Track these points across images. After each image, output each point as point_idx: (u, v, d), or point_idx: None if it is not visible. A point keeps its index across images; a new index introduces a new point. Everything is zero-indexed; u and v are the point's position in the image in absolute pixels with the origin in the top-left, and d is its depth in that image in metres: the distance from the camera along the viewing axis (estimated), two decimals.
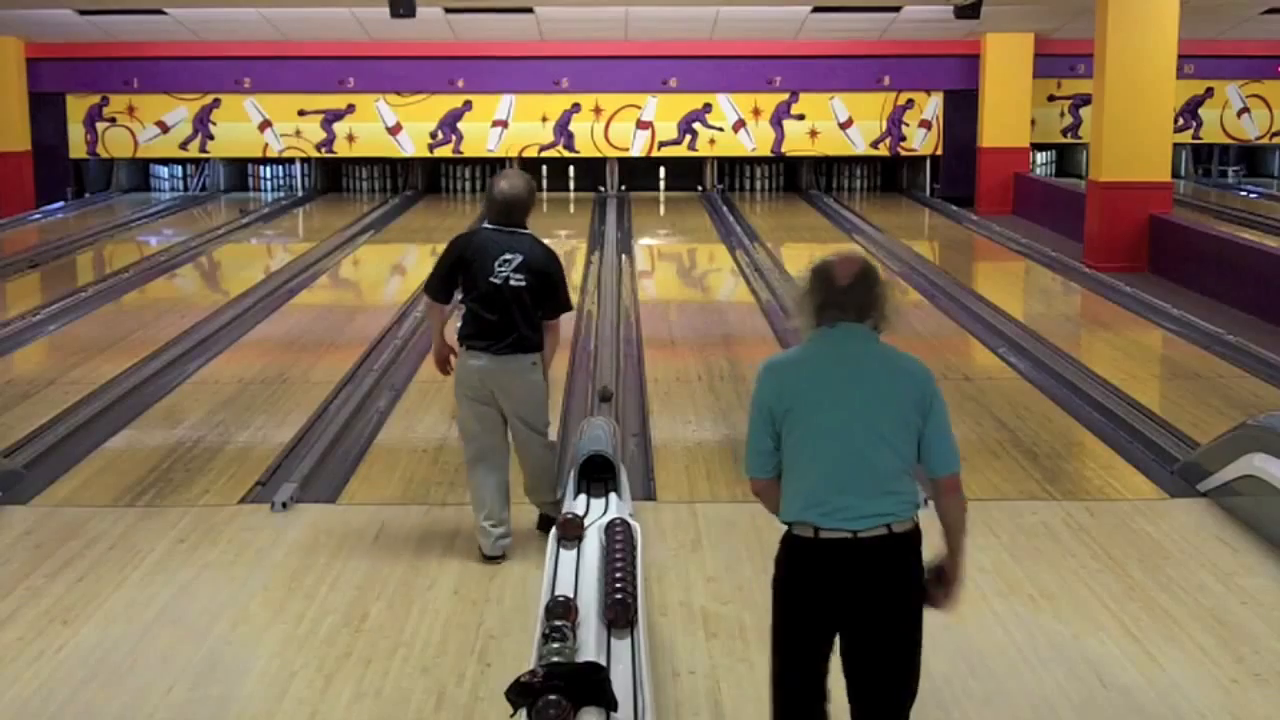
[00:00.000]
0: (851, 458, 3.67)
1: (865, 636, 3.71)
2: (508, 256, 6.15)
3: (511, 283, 6.14)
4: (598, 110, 21.48)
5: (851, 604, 3.69)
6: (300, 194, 22.45)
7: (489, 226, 6.27)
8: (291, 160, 22.58)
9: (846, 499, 3.66)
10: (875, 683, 3.75)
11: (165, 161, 22.72)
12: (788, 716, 3.82)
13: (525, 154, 21.73)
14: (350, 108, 21.46)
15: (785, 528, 3.80)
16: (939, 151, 21.75)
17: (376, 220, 19.42)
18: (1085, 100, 20.36)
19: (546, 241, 6.39)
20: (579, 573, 5.44)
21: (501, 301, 6.15)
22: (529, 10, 17.99)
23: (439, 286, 6.36)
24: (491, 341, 6.19)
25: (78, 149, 21.63)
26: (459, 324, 6.31)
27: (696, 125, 21.60)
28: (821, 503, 3.67)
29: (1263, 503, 6.55)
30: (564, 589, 5.02)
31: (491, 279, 6.14)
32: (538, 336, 6.28)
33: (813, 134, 21.68)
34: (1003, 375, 10.08)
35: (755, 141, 21.71)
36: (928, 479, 3.82)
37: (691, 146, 21.73)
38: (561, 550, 5.55)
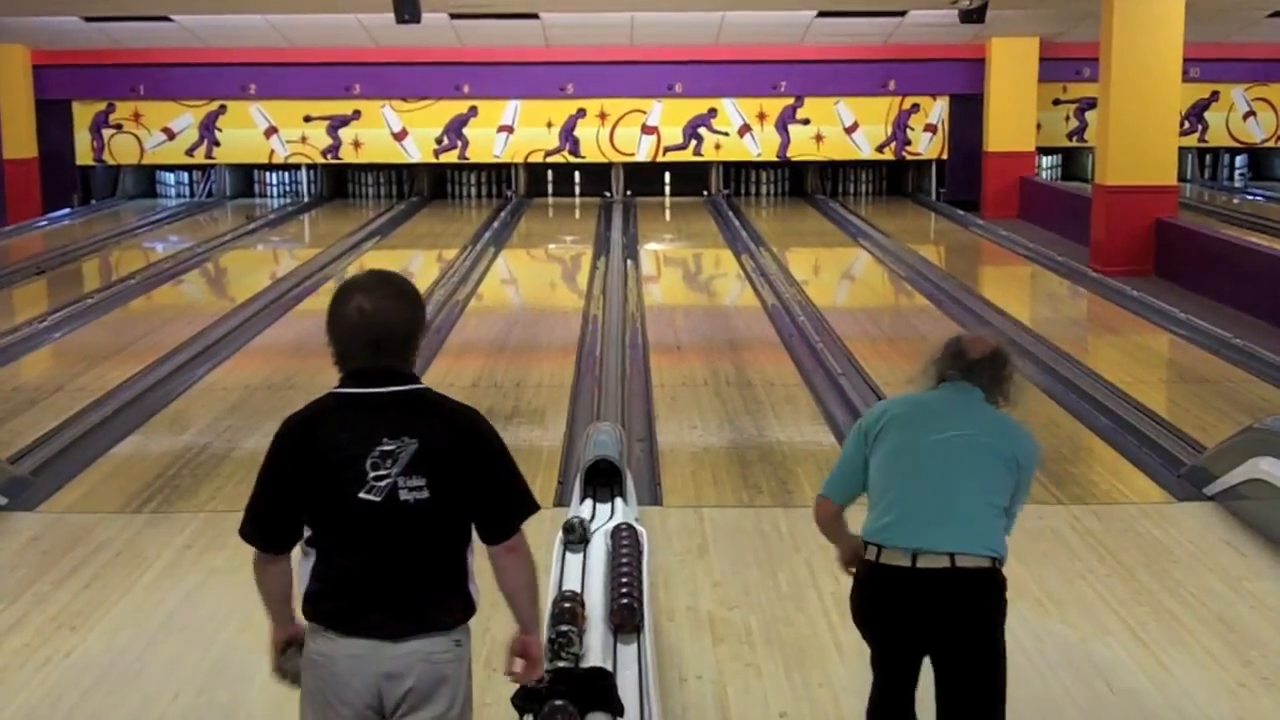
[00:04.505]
0: (928, 484, 3.66)
1: (941, 669, 3.74)
2: (387, 447, 3.21)
3: (402, 497, 3.20)
4: (603, 115, 21.48)
5: (915, 634, 3.72)
6: (306, 200, 22.46)
7: (342, 390, 3.29)
8: (297, 166, 22.58)
9: (913, 521, 3.64)
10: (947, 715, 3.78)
11: (171, 168, 22.74)
12: None
13: (530, 159, 21.77)
14: (356, 114, 21.47)
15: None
16: (944, 156, 21.73)
17: (383, 226, 19.44)
18: (1091, 104, 20.31)
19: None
20: (585, 577, 5.44)
21: (381, 537, 3.22)
22: (534, 16, 18.00)
23: (266, 522, 3.33)
24: (369, 617, 3.23)
25: (84, 156, 21.65)
26: (302, 583, 3.36)
27: (702, 130, 21.60)
28: (887, 522, 3.68)
29: (1270, 506, 6.53)
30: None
31: (361, 495, 3.20)
32: (460, 596, 3.32)
33: (818, 138, 21.67)
34: None
35: (761, 146, 21.70)
36: None
37: (697, 151, 21.72)
38: (568, 554, 5.55)
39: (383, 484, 3.20)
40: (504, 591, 3.39)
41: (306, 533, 3.32)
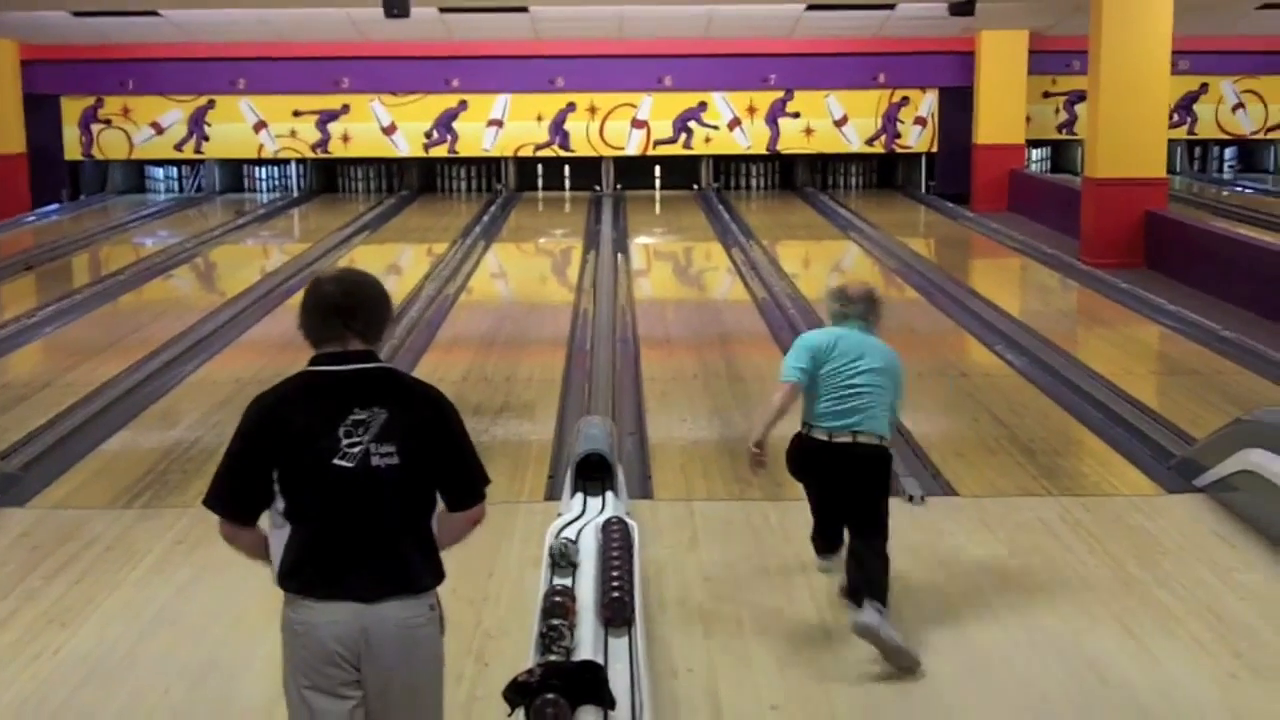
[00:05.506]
0: (846, 390, 5.48)
1: (848, 511, 5.57)
2: (358, 416, 3.38)
3: (374, 463, 3.36)
4: (593, 109, 21.47)
5: (830, 484, 5.60)
6: (295, 194, 22.43)
7: (312, 369, 3.48)
8: (286, 161, 22.55)
9: (833, 413, 5.48)
10: (852, 523, 5.56)
11: (160, 163, 22.70)
12: (819, 532, 5.89)
13: (520, 153, 21.76)
14: (345, 108, 21.44)
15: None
16: (934, 148, 21.75)
17: (372, 220, 19.41)
18: (1080, 97, 20.36)
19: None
20: (576, 572, 5.44)
21: (356, 502, 3.37)
22: (523, 9, 17.97)
23: (236, 492, 3.45)
24: (346, 581, 3.36)
25: (73, 151, 21.61)
26: (278, 558, 3.46)
27: (692, 123, 21.59)
28: (819, 411, 5.52)
29: (1259, 498, 6.54)
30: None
31: (336, 461, 3.35)
32: (431, 560, 3.48)
33: (808, 131, 21.68)
34: (999, 372, 10.08)
35: (750, 139, 21.70)
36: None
37: (687, 145, 21.72)
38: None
39: (355, 450, 3.37)
40: (439, 543, 3.54)
41: (281, 504, 3.42)
